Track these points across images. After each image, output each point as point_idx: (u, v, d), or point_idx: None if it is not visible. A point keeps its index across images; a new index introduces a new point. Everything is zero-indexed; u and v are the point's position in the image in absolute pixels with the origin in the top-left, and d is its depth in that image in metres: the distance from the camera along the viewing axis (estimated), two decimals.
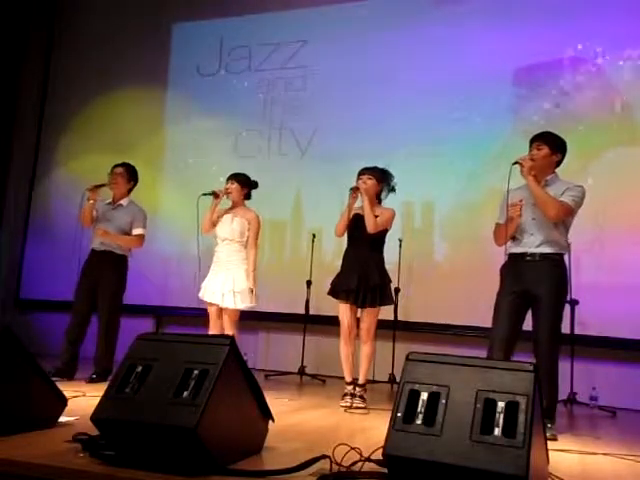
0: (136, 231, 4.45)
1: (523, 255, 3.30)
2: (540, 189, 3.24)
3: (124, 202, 4.50)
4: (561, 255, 3.31)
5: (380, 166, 3.99)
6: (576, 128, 5.11)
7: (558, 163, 3.39)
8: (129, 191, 4.55)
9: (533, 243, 3.28)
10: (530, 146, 3.39)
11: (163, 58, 6.72)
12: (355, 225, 3.88)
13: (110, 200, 4.53)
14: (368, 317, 3.82)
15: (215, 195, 4.25)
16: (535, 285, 3.22)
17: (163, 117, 6.64)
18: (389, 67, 5.76)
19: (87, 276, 4.39)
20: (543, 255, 3.26)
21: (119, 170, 4.50)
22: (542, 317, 3.19)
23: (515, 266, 3.32)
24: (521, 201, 3.28)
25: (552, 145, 3.34)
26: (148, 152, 6.53)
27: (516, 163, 3.28)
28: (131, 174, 4.54)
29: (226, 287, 4.12)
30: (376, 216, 3.83)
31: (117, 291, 4.39)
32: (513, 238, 3.36)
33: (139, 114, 6.70)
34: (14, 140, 7.07)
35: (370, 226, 3.79)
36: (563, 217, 3.27)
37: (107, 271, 4.36)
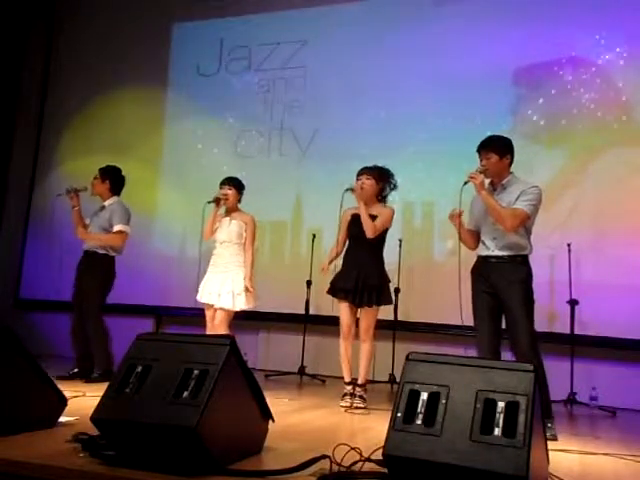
0: (115, 228, 4.46)
1: (487, 258, 3.37)
2: (494, 203, 3.28)
3: (107, 202, 4.56)
4: (523, 257, 3.34)
5: (380, 165, 3.99)
6: (576, 128, 5.11)
7: (510, 163, 3.42)
8: (111, 191, 4.58)
9: (496, 246, 3.34)
10: (479, 155, 3.42)
11: (163, 58, 6.72)
12: (355, 225, 3.88)
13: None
14: (367, 316, 3.82)
15: (217, 202, 4.29)
16: (500, 288, 3.28)
17: (163, 117, 6.64)
18: (389, 67, 5.76)
19: (77, 276, 4.52)
20: (505, 257, 3.32)
21: (95, 175, 4.61)
22: (515, 322, 3.22)
23: (481, 268, 3.40)
24: (455, 209, 3.44)
25: (499, 150, 3.37)
26: (148, 152, 6.54)
27: (466, 183, 3.35)
28: (104, 174, 4.59)
29: (224, 288, 4.16)
30: (374, 216, 3.83)
31: (96, 292, 4.40)
32: (480, 241, 3.46)
33: (139, 114, 6.69)
34: (14, 140, 7.08)
35: (369, 231, 3.79)
36: (519, 226, 3.29)
37: (88, 271, 4.44)
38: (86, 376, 4.25)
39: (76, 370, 4.32)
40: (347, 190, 3.84)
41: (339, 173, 5.48)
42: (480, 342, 3.33)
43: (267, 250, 5.93)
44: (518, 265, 3.31)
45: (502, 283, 3.27)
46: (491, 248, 3.36)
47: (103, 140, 6.63)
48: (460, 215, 3.44)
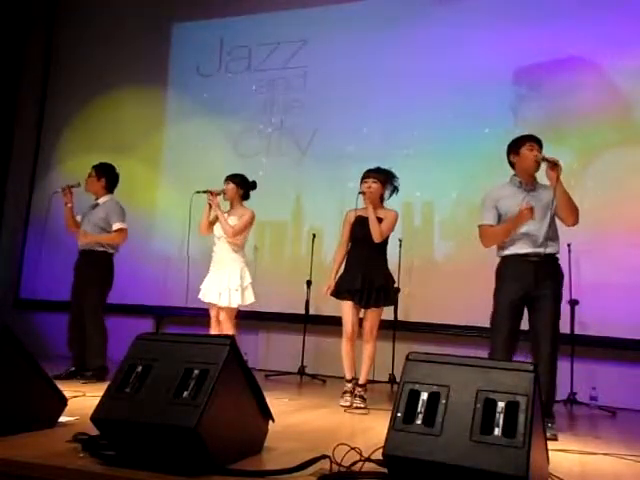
0: (115, 226, 4.45)
1: (527, 255, 3.26)
2: (568, 194, 3.22)
3: (101, 200, 4.54)
4: (557, 255, 3.34)
5: (382, 167, 3.98)
6: (576, 128, 5.11)
7: None
8: (106, 188, 4.56)
9: (536, 243, 3.25)
10: (523, 144, 3.32)
11: (163, 58, 6.72)
12: (359, 227, 3.88)
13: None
14: (371, 317, 3.82)
15: (212, 194, 4.26)
16: (540, 285, 3.21)
17: (163, 117, 6.64)
18: (389, 67, 5.76)
19: (75, 276, 4.49)
20: (547, 255, 3.25)
21: (90, 172, 4.59)
22: (547, 316, 3.19)
23: (520, 267, 3.26)
24: (528, 203, 3.22)
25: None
26: (147, 152, 6.54)
27: (547, 160, 3.19)
28: (100, 171, 4.57)
29: (222, 285, 4.16)
30: (380, 218, 3.83)
31: (97, 288, 4.39)
32: (511, 239, 3.32)
33: (139, 114, 6.69)
34: (14, 140, 7.08)
35: (376, 236, 3.79)
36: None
37: (88, 270, 4.42)
38: (83, 375, 4.24)
39: (73, 369, 4.30)
40: (360, 193, 3.84)
41: (339, 173, 5.50)
42: (497, 341, 3.24)
43: (267, 250, 5.93)
44: (557, 263, 3.31)
45: (542, 281, 3.20)
46: (531, 245, 3.24)
47: (103, 140, 6.62)
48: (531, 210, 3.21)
